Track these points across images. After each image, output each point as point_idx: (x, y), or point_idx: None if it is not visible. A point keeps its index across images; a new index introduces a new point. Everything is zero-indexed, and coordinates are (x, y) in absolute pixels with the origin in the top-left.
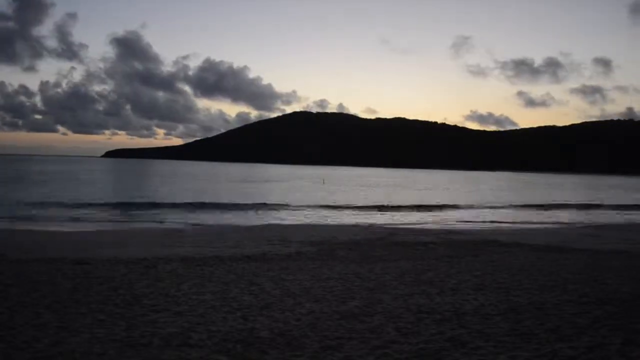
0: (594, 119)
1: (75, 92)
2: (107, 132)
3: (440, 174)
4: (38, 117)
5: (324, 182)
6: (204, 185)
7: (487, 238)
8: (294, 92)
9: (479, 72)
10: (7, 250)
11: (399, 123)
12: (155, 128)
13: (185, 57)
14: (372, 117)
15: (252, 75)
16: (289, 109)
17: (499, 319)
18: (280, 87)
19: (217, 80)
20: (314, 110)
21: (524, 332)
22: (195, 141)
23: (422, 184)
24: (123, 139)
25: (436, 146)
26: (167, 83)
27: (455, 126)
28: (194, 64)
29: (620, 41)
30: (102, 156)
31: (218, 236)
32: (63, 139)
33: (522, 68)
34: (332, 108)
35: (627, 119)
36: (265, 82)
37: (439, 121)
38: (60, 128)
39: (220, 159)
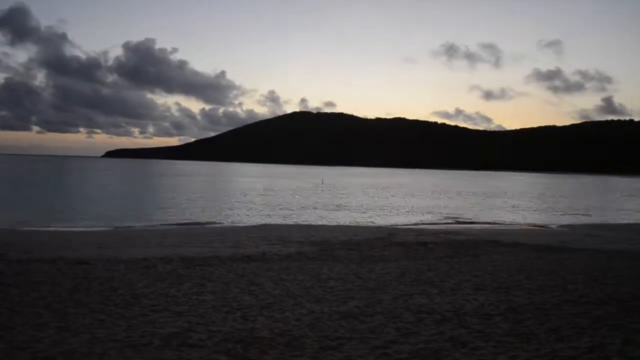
0: (591, 119)
1: (9, 86)
2: (82, 129)
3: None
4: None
5: (322, 182)
6: None
7: (487, 238)
8: (241, 85)
9: (411, 60)
10: (8, 250)
11: (399, 123)
12: (125, 125)
13: (112, 47)
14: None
15: (196, 68)
16: (244, 101)
17: (499, 319)
18: (229, 79)
19: (154, 71)
20: (268, 103)
21: (524, 332)
22: (195, 141)
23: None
24: (103, 138)
25: (437, 147)
26: (89, 73)
27: (456, 126)
28: (135, 55)
29: (564, 20)
30: (103, 156)
31: (218, 236)
32: (42, 137)
33: (456, 56)
34: (289, 103)
35: (627, 118)
36: (215, 74)
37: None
38: (34, 127)
39: (220, 158)
